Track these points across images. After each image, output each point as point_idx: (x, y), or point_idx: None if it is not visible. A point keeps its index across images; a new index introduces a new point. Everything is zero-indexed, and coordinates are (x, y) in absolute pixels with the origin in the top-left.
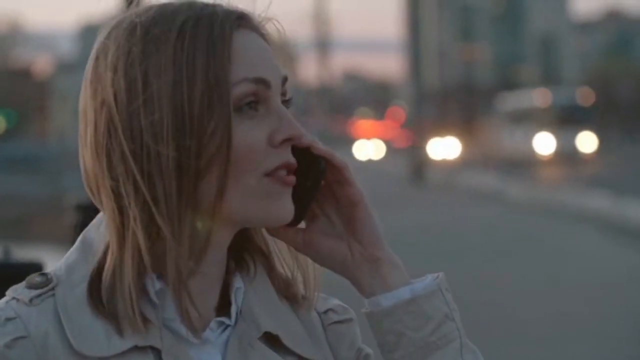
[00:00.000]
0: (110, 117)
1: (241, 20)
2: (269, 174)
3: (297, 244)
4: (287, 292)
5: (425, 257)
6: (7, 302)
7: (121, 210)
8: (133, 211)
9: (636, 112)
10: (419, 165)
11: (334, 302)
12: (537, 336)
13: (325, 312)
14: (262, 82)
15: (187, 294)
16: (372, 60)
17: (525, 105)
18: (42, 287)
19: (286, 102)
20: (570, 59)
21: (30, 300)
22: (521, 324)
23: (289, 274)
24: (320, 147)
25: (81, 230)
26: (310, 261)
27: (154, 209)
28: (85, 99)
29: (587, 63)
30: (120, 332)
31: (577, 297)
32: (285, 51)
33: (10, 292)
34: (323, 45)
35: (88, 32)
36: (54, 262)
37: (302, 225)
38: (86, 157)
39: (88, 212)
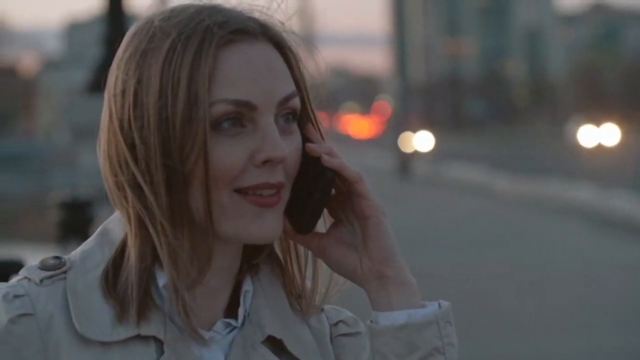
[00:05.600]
0: (110, 112)
1: (237, 35)
2: (240, 191)
3: (312, 247)
4: (299, 299)
5: (411, 252)
6: (18, 280)
7: (123, 210)
8: (130, 212)
9: (622, 104)
10: (405, 159)
11: (346, 314)
12: (525, 328)
13: (336, 323)
14: (245, 104)
15: (183, 302)
16: (358, 55)
17: None
18: (54, 269)
19: (292, 115)
20: (556, 52)
21: (41, 280)
22: (508, 317)
23: (300, 281)
24: (331, 158)
25: (64, 228)
26: (322, 271)
27: (145, 218)
28: (107, 86)
29: (573, 56)
30: (126, 320)
31: (563, 289)
32: (299, 55)
33: (23, 271)
34: (309, 40)
35: (73, 29)
36: (37, 259)
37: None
38: (101, 142)
39: (71, 210)
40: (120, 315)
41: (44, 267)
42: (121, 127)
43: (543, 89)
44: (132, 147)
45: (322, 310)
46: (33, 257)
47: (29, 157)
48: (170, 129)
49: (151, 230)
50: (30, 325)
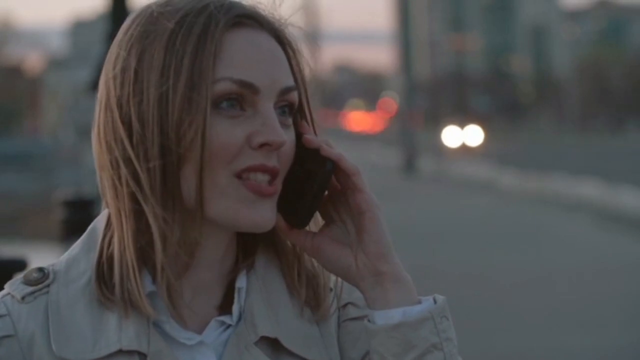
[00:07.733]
0: (108, 91)
1: (243, 18)
2: (239, 176)
3: (306, 246)
4: (299, 290)
5: (416, 248)
6: (2, 297)
7: (116, 189)
8: (123, 191)
9: (627, 100)
10: (411, 155)
11: (358, 294)
12: (531, 324)
13: (345, 305)
14: (248, 85)
15: (168, 283)
16: (363, 52)
17: None
18: (37, 284)
19: (288, 109)
20: (561, 48)
21: (23, 297)
22: (514, 313)
23: (298, 271)
24: (330, 149)
25: (68, 226)
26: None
27: (138, 194)
28: (103, 69)
29: (578, 52)
30: (110, 331)
31: (570, 286)
32: (301, 54)
33: (7, 286)
34: (313, 37)
35: (78, 28)
36: (41, 258)
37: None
38: (96, 124)
39: (76, 208)
40: (112, 319)
41: (27, 281)
42: (119, 105)
43: (548, 85)
44: (129, 124)
45: (331, 290)
46: (38, 255)
47: (34, 156)
48: (170, 104)
49: (143, 206)
50: (12, 346)
